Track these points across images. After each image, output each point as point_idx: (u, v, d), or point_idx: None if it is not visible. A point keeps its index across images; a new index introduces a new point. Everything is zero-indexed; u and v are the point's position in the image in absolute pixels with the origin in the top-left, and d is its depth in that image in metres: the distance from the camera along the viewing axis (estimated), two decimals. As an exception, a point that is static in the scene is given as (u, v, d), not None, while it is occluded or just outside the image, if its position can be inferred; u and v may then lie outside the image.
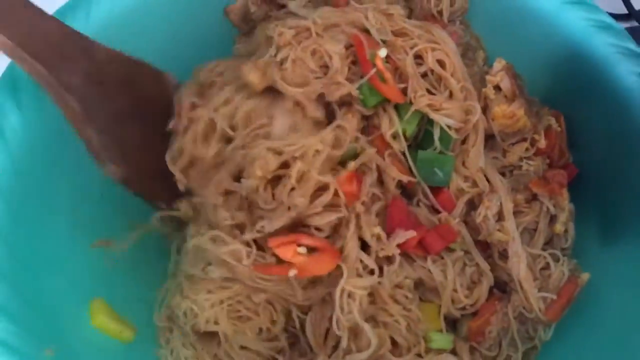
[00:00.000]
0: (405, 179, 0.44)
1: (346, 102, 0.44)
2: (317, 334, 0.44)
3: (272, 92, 0.44)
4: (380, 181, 0.45)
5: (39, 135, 0.44)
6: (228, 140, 0.44)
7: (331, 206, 0.42)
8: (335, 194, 0.41)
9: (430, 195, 0.45)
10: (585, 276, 0.45)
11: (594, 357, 0.43)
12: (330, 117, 0.44)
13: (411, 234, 0.42)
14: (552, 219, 0.47)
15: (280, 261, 0.41)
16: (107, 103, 0.44)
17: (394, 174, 0.44)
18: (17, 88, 0.43)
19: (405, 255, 0.44)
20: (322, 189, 0.42)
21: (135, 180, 0.46)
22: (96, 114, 0.43)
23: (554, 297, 0.44)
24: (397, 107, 0.44)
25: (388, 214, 0.44)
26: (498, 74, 0.46)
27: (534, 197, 0.47)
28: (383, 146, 0.44)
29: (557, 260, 0.46)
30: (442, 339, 0.45)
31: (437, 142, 0.44)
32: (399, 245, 0.42)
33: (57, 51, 0.41)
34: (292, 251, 0.41)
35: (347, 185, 0.42)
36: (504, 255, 0.45)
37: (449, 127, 0.43)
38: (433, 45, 0.43)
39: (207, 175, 0.45)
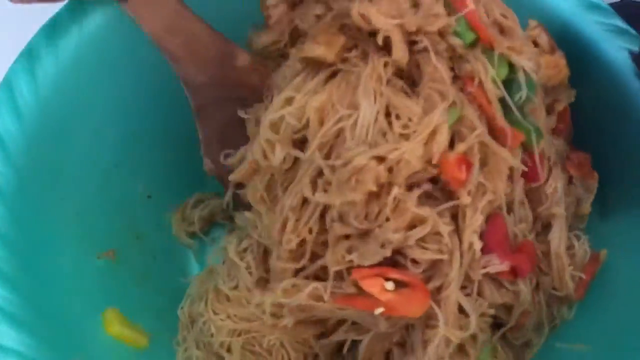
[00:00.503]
0: (520, 166, 0.41)
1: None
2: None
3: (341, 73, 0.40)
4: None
5: (41, 144, 0.44)
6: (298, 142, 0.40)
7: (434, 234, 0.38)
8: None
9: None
10: (603, 252, 0.46)
11: (610, 329, 0.44)
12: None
13: (505, 267, 0.39)
14: (578, 201, 0.48)
15: (361, 290, 0.37)
16: (222, 107, 0.46)
17: (507, 158, 0.39)
18: (14, 96, 0.43)
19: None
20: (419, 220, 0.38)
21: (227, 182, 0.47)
22: (210, 114, 0.45)
23: (584, 275, 0.45)
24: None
25: (487, 230, 0.39)
26: (535, 29, 0.46)
27: (570, 180, 0.47)
28: (483, 98, 0.40)
29: (578, 239, 0.46)
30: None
31: (524, 87, 0.41)
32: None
33: (191, 49, 0.45)
34: (379, 286, 0.36)
35: (454, 170, 0.37)
36: (544, 232, 0.45)
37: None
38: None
39: (271, 186, 0.42)
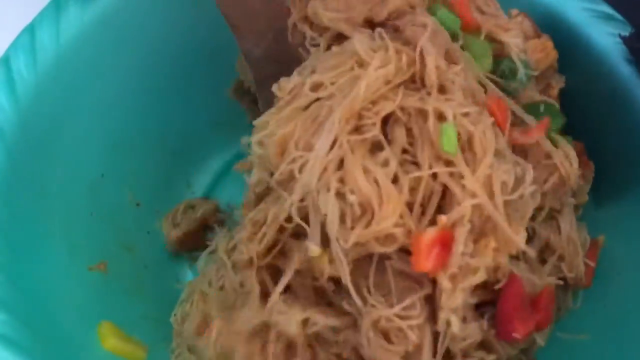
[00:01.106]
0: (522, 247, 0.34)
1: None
2: None
3: None
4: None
5: (24, 160, 0.43)
6: None
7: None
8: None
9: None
10: (601, 238, 0.46)
11: (610, 317, 0.44)
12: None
13: (519, 336, 0.35)
14: (574, 191, 0.47)
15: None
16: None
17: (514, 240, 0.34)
18: (12, 75, 0.43)
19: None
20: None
21: None
22: (268, 88, 0.43)
23: (592, 263, 0.44)
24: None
25: (502, 298, 0.35)
26: (517, 17, 0.46)
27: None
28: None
29: (577, 226, 0.46)
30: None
31: (520, 66, 0.40)
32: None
33: (251, 22, 0.45)
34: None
35: (422, 257, 0.32)
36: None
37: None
38: None
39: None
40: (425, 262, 0.32)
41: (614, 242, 0.46)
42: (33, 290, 0.40)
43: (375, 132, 0.34)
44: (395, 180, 0.33)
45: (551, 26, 0.49)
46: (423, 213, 0.34)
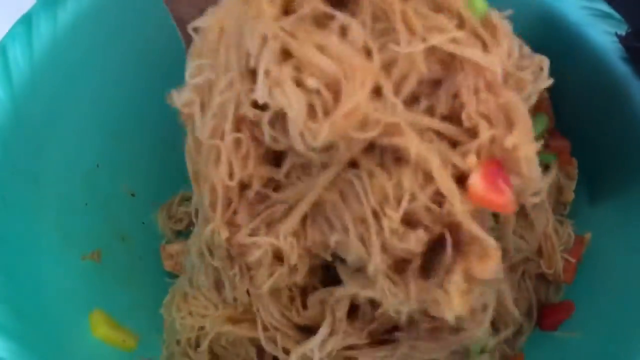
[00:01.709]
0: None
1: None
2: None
3: None
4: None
5: (18, 149, 0.43)
6: None
7: None
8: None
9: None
10: (587, 235, 0.46)
11: (601, 314, 0.44)
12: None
13: None
14: (559, 188, 0.48)
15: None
16: None
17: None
18: (8, 63, 0.43)
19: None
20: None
21: None
22: None
23: (572, 260, 0.45)
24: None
25: None
26: None
27: (546, 167, 0.47)
28: None
29: (562, 224, 0.47)
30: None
31: None
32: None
33: None
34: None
35: None
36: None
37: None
38: None
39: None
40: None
41: (608, 238, 0.46)
42: (25, 278, 0.41)
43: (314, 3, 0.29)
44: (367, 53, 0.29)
45: (549, 24, 0.49)
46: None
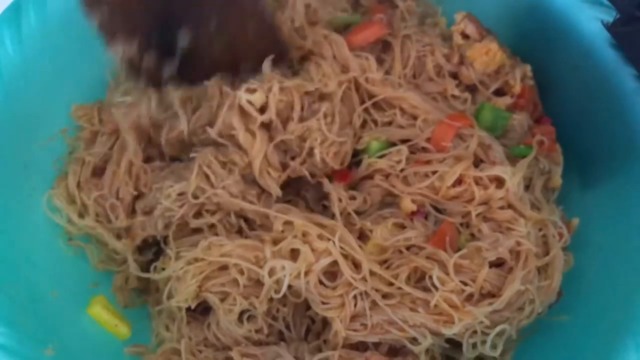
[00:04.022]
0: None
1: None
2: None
3: None
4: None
5: (8, 134, 0.44)
6: None
7: None
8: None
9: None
10: (575, 221, 0.46)
11: (590, 298, 0.44)
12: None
13: None
14: (547, 175, 0.47)
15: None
16: None
17: None
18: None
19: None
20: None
21: None
22: None
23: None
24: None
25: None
26: (461, 22, 0.47)
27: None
28: None
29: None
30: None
31: None
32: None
33: None
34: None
35: None
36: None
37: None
38: None
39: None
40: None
41: (598, 225, 0.46)
42: (15, 259, 0.41)
43: None
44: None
45: (537, 10, 0.50)
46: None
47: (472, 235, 0.42)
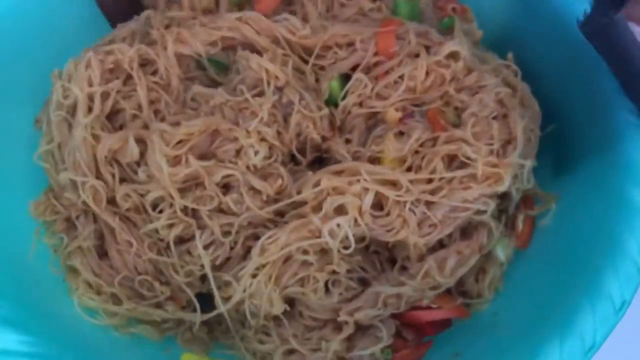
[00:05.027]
0: None
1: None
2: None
3: None
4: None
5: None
6: None
7: None
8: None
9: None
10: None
11: (552, 281, 0.45)
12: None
13: None
14: None
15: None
16: None
17: None
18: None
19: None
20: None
21: None
22: None
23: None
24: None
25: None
26: None
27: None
28: None
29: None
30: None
31: None
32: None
33: None
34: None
35: None
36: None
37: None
38: None
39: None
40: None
41: (565, 208, 0.48)
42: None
43: None
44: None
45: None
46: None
47: (456, 108, 0.46)
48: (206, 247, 0.43)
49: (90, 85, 0.44)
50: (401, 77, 0.45)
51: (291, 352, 0.45)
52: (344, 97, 0.46)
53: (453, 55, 0.45)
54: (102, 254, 0.47)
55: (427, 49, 0.46)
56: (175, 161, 0.42)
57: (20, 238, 0.48)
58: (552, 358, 0.39)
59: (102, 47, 0.45)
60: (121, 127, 0.45)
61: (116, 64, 0.45)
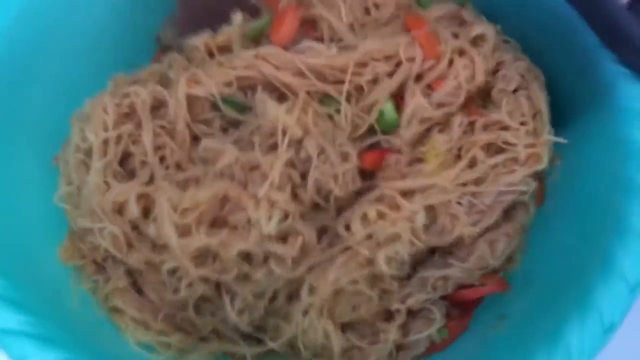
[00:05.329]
0: None
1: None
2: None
3: None
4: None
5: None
6: None
7: None
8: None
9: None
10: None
11: (570, 231, 0.46)
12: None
13: None
14: None
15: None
16: None
17: None
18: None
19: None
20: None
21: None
22: None
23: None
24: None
25: None
26: None
27: None
28: None
29: None
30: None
31: None
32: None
33: None
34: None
35: None
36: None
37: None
38: None
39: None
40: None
41: (572, 162, 0.48)
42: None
43: None
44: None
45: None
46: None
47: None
48: (240, 313, 0.42)
49: (106, 129, 0.41)
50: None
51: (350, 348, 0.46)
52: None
53: (480, 37, 0.44)
54: (138, 290, 0.45)
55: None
56: (185, 229, 0.40)
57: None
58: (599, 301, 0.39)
59: (122, 89, 0.42)
60: (132, 172, 0.43)
61: (131, 107, 0.41)
